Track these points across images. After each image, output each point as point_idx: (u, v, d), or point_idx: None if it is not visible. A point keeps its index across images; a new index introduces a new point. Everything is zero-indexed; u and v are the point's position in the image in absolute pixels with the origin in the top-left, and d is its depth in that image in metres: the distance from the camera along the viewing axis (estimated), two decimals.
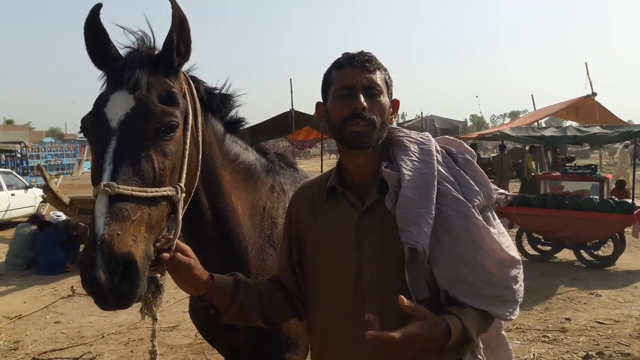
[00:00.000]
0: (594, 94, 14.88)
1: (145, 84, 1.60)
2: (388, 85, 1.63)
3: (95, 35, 1.67)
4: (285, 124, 13.51)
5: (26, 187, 14.83)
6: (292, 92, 14.11)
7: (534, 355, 5.14)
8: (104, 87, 1.67)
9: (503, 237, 1.58)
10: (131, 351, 5.61)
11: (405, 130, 1.69)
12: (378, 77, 1.58)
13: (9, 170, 16.93)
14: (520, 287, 1.57)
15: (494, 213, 1.65)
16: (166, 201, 1.56)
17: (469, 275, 1.48)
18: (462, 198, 1.51)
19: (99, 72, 1.71)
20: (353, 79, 1.55)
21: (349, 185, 1.66)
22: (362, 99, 1.53)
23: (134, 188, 1.47)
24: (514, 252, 1.57)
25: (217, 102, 2.04)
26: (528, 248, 9.21)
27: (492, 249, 1.49)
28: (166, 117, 1.59)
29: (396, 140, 1.64)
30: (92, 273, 1.35)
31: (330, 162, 25.47)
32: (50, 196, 9.40)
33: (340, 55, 1.65)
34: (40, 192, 15.27)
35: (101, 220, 1.40)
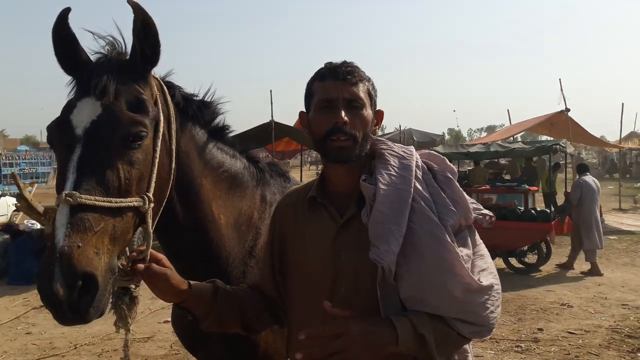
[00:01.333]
0: (568, 110, 15.19)
1: (113, 91, 1.56)
2: (371, 96, 1.61)
3: (64, 40, 1.63)
4: (265, 134, 13.53)
5: None
6: (272, 103, 14.15)
7: None
8: (73, 93, 1.63)
9: (481, 259, 1.54)
10: None
11: (389, 143, 1.66)
12: (360, 89, 1.56)
13: None
14: (490, 314, 1.47)
15: (476, 234, 1.60)
16: (132, 212, 1.52)
17: (432, 297, 1.42)
18: (435, 219, 1.47)
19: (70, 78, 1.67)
20: (335, 92, 1.53)
21: (331, 195, 1.64)
22: (343, 113, 1.51)
23: (97, 198, 1.42)
24: (487, 278, 1.49)
25: (193, 109, 1.98)
26: None
27: (460, 274, 1.42)
28: (134, 126, 1.55)
29: (379, 153, 1.61)
30: (49, 287, 1.30)
31: (309, 173, 25.53)
32: (24, 205, 9.22)
33: (322, 65, 1.62)
34: (13, 200, 14.99)
35: (61, 231, 1.35)
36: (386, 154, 1.60)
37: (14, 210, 14.80)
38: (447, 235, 1.45)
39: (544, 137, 20.81)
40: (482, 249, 1.59)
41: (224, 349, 2.19)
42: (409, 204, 1.47)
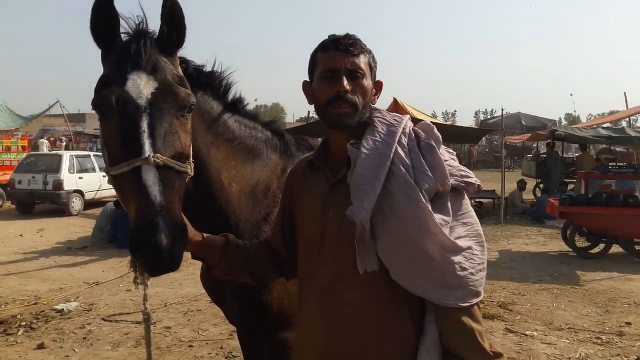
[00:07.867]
0: None
1: (163, 67, 1.70)
2: (372, 67, 1.70)
3: (107, 13, 1.66)
4: None
5: None
6: None
7: (580, 354, 4.96)
8: (115, 65, 1.68)
9: (462, 226, 1.60)
10: (188, 320, 6.03)
11: (384, 112, 1.74)
12: (362, 60, 1.65)
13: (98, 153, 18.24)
14: (470, 275, 1.55)
15: (464, 202, 1.66)
16: (185, 175, 1.69)
17: (409, 255, 1.52)
18: (410, 181, 1.55)
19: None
20: (337, 62, 1.63)
21: (330, 160, 1.77)
22: (345, 82, 1.61)
23: (174, 161, 1.59)
24: (465, 241, 1.57)
25: (204, 81, 2.10)
26: (580, 243, 9.33)
27: (434, 232, 1.50)
28: (188, 98, 1.71)
29: (371, 120, 1.70)
30: (153, 237, 1.43)
31: None
32: None
33: (326, 37, 1.72)
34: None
35: (156, 188, 1.49)
36: (377, 121, 1.69)
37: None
38: (420, 196, 1.51)
39: None
40: (468, 217, 1.64)
41: (238, 306, 2.36)
42: (386, 167, 1.56)
